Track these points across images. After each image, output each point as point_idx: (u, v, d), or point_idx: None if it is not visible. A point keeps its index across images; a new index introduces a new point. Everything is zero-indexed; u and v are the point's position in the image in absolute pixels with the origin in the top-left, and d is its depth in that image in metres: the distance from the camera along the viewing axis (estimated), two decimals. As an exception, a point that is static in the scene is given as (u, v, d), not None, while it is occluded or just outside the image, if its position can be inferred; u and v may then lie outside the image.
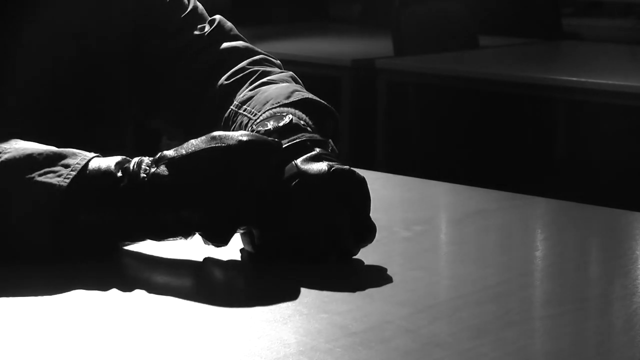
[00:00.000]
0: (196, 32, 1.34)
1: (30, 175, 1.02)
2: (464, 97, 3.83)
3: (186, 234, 1.02)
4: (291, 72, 1.31)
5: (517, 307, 0.95)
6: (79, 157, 1.03)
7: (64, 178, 1.01)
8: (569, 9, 4.88)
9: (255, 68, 1.30)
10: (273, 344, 0.84)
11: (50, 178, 1.01)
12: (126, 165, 1.02)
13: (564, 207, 1.32)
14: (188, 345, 0.84)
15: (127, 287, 0.97)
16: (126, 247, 1.07)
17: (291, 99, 1.18)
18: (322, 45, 4.24)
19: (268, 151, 1.03)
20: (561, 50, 4.20)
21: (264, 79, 1.27)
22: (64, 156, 1.03)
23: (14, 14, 1.26)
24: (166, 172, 1.01)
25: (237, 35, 1.37)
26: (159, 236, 1.03)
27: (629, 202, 1.47)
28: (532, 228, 1.28)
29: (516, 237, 1.20)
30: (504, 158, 3.84)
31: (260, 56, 1.34)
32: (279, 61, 1.36)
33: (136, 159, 1.03)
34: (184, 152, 1.02)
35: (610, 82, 3.18)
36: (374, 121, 3.68)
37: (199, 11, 1.37)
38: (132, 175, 1.01)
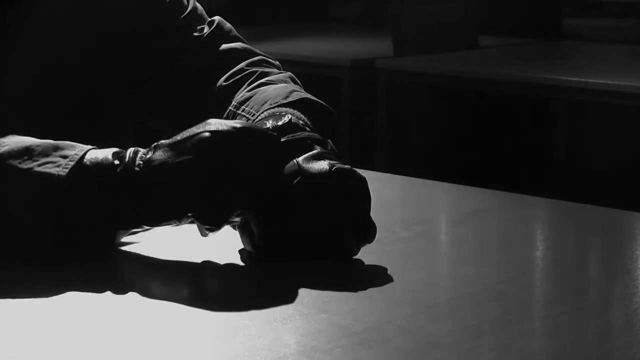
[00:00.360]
0: (195, 34, 1.35)
1: (28, 166, 1.03)
2: (463, 97, 3.84)
3: (179, 217, 1.02)
4: (290, 73, 1.32)
5: (517, 307, 0.95)
6: (77, 149, 1.04)
7: (63, 168, 1.02)
8: (569, 9, 4.88)
9: (254, 69, 1.30)
10: (273, 344, 0.84)
11: (49, 168, 1.02)
12: (122, 154, 1.03)
13: (564, 207, 1.32)
14: (188, 345, 0.84)
15: (125, 287, 0.97)
16: (125, 247, 1.07)
17: (289, 99, 1.18)
18: (322, 45, 4.25)
19: (261, 138, 1.04)
20: (561, 50, 4.20)
21: (262, 80, 1.28)
22: (61, 148, 1.04)
23: (14, 14, 1.26)
24: (160, 157, 1.02)
25: (236, 36, 1.38)
26: (154, 220, 1.03)
27: (629, 202, 1.47)
28: (532, 228, 1.28)
29: (516, 237, 1.20)
30: (504, 158, 3.84)
31: (259, 57, 1.35)
32: (277, 62, 1.36)
33: (132, 149, 1.04)
34: (179, 138, 1.03)
35: (610, 82, 3.18)
36: (374, 121, 3.68)
37: (199, 12, 1.38)
38: (128, 163, 1.02)
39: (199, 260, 1.05)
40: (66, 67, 1.29)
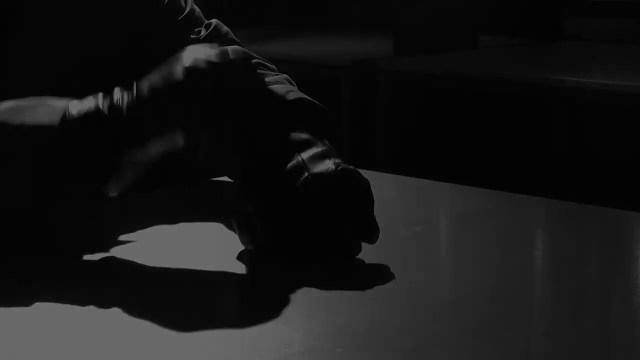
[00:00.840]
0: (193, 36, 1.35)
1: (21, 121, 1.04)
2: (464, 97, 3.83)
3: (163, 128, 1.02)
4: (286, 75, 1.32)
5: (517, 307, 0.95)
6: (62, 99, 1.06)
7: (55, 115, 1.04)
8: (569, 9, 4.88)
9: None
10: (273, 344, 0.84)
11: (41, 117, 1.04)
12: (109, 94, 1.05)
13: (564, 207, 1.32)
14: (187, 345, 0.84)
15: (123, 287, 0.98)
16: (124, 247, 1.07)
17: (286, 99, 1.19)
18: (322, 45, 4.24)
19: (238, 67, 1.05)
20: (561, 50, 4.20)
21: None
22: (46, 100, 1.06)
23: (17, 12, 1.27)
24: (145, 83, 1.04)
25: (233, 39, 1.39)
26: (142, 139, 1.03)
27: (629, 202, 1.47)
28: (532, 228, 1.28)
29: (516, 237, 1.20)
30: (504, 158, 3.84)
31: (255, 60, 1.35)
32: (273, 66, 1.37)
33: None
34: (162, 67, 1.05)
35: (610, 82, 3.18)
36: (374, 121, 3.68)
37: (196, 14, 1.39)
38: (115, 93, 1.04)
39: (199, 261, 1.05)
40: (63, 66, 1.30)
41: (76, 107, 1.05)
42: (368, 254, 1.05)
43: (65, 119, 1.04)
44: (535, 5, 4.43)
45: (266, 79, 1.29)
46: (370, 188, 1.05)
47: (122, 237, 1.13)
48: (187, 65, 1.02)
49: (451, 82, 3.61)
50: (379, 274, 1.02)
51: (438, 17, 3.99)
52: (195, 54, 1.03)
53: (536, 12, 4.43)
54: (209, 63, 1.02)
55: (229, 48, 1.05)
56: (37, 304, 0.94)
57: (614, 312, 0.96)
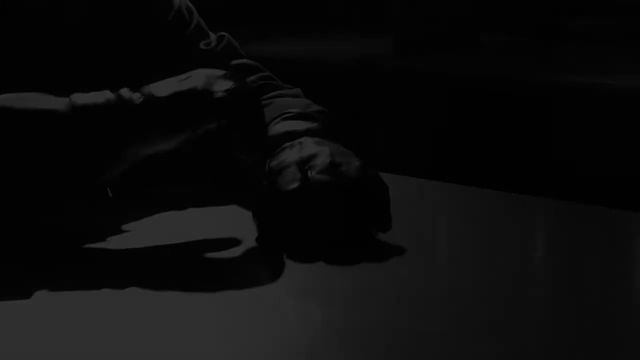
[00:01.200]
0: (202, 47, 1.37)
1: (25, 107, 1.05)
2: (464, 97, 3.84)
3: (168, 129, 1.05)
4: (298, 88, 1.37)
5: (517, 307, 0.95)
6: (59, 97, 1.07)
7: (59, 104, 1.05)
8: (569, 9, 4.88)
9: (267, 82, 1.37)
10: (273, 344, 0.84)
11: (48, 105, 1.05)
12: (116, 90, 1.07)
13: (563, 207, 1.32)
14: (186, 345, 0.85)
15: (121, 285, 0.97)
16: (123, 245, 1.07)
17: (307, 110, 1.25)
18: (322, 45, 4.25)
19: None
20: (561, 50, 4.20)
21: (276, 92, 1.33)
22: (44, 95, 1.07)
23: (11, 12, 1.27)
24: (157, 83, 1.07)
25: (242, 54, 1.43)
26: (145, 135, 1.05)
27: (628, 202, 1.47)
28: (532, 228, 1.28)
29: (516, 237, 1.20)
30: (504, 158, 3.84)
31: (268, 73, 1.40)
32: (279, 81, 1.41)
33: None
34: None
35: (610, 82, 3.18)
36: (374, 121, 3.68)
37: (202, 27, 1.41)
38: (123, 92, 1.06)
39: (197, 258, 1.05)
40: (61, 75, 1.30)
41: (81, 98, 1.06)
42: (368, 253, 1.05)
43: (73, 106, 1.04)
44: (535, 5, 4.44)
45: (283, 91, 1.34)
46: (387, 193, 1.11)
47: (119, 233, 1.13)
48: (206, 76, 1.06)
49: (451, 82, 3.61)
50: (379, 274, 1.02)
51: (438, 17, 3.99)
52: (211, 71, 1.07)
53: (536, 11, 4.43)
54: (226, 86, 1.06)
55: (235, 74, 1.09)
56: (33, 297, 0.94)
57: (614, 312, 0.96)
